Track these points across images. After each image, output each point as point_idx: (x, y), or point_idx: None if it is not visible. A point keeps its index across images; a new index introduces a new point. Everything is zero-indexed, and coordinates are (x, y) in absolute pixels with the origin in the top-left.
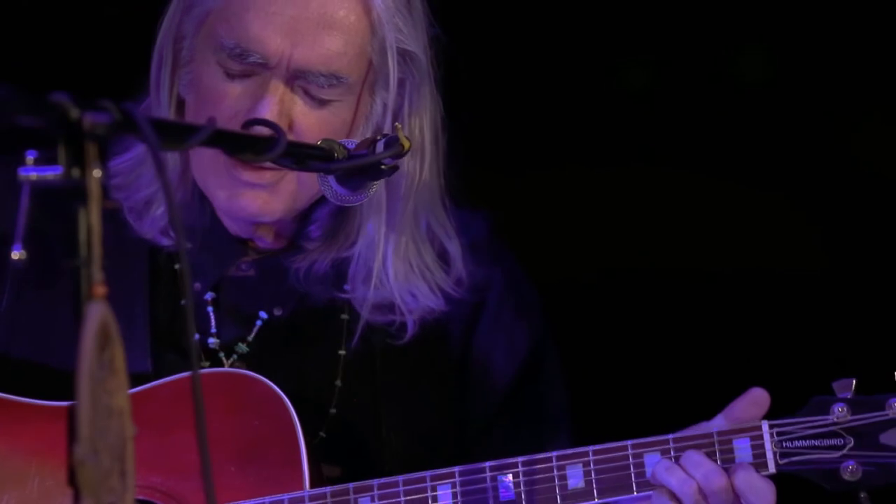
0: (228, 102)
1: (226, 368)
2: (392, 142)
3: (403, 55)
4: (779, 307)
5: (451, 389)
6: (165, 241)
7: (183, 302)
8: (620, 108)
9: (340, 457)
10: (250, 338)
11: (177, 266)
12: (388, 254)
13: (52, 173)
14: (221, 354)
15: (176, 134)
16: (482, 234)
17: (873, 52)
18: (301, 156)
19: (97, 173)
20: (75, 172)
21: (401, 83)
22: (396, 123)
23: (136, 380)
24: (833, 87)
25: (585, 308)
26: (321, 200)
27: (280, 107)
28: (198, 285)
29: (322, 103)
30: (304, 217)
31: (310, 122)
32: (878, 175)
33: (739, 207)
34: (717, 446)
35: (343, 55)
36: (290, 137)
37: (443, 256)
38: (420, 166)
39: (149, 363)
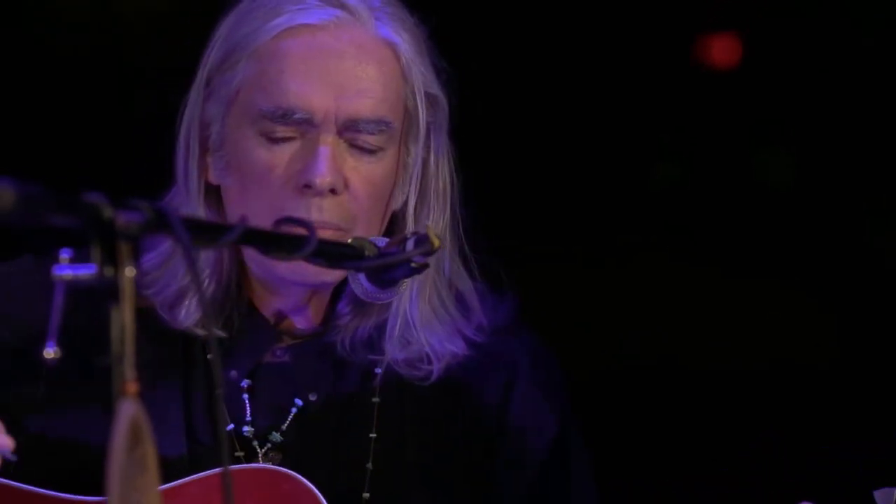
0: (278, 171)
1: (259, 464)
2: (422, 240)
3: (430, 98)
4: (814, 410)
5: (483, 469)
6: (200, 332)
7: (217, 392)
8: (645, 202)
9: None
10: (284, 426)
11: (209, 356)
12: (414, 299)
13: (86, 272)
14: (255, 443)
15: (208, 232)
16: (506, 317)
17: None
18: (332, 254)
19: (130, 272)
20: (109, 271)
21: (427, 128)
22: (428, 223)
23: (172, 467)
24: (852, 187)
25: (605, 407)
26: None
27: (333, 161)
28: (234, 373)
29: (370, 153)
30: (335, 295)
31: (361, 178)
32: None
33: (761, 305)
34: None
35: (385, 101)
36: (345, 195)
37: (461, 302)
38: (443, 211)
39: (185, 451)
